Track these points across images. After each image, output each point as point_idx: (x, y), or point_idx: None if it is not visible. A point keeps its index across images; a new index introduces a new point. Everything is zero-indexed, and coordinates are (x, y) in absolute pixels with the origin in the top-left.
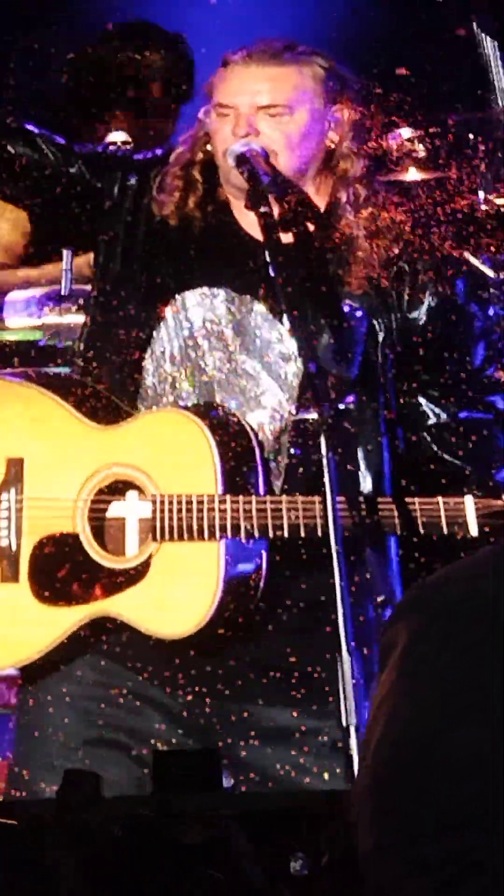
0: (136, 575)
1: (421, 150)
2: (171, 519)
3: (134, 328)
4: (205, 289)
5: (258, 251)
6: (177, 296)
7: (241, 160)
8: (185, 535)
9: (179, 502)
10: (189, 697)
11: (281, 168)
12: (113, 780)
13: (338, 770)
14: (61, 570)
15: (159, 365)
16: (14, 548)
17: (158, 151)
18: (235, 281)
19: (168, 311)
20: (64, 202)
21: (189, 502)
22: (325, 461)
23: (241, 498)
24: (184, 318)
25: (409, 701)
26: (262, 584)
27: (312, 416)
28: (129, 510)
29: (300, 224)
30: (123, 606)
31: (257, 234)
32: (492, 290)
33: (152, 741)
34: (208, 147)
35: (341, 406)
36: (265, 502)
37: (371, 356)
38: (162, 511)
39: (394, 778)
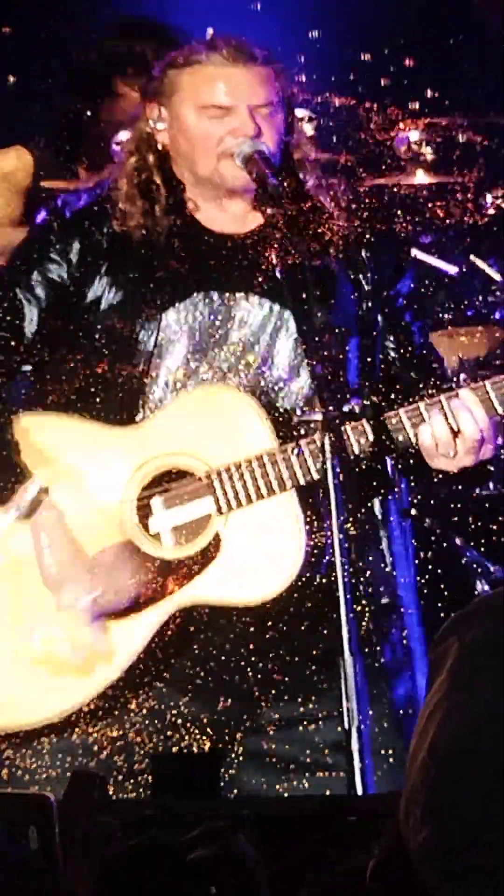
0: (208, 555)
1: (429, 154)
2: (233, 487)
3: (128, 346)
4: (197, 295)
5: (234, 245)
6: (170, 308)
7: (250, 161)
8: (255, 497)
9: (238, 468)
10: (202, 692)
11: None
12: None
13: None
14: (122, 579)
15: (165, 378)
16: (65, 575)
17: (90, 192)
18: (223, 281)
19: (163, 324)
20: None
21: (249, 462)
22: (328, 464)
23: (302, 441)
24: (181, 328)
25: (464, 706)
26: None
27: (317, 417)
28: (160, 524)
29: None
30: (204, 590)
31: (227, 229)
32: (498, 294)
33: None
34: (159, 147)
35: (346, 408)
36: (326, 436)
37: (361, 307)
38: (221, 483)
39: (447, 780)
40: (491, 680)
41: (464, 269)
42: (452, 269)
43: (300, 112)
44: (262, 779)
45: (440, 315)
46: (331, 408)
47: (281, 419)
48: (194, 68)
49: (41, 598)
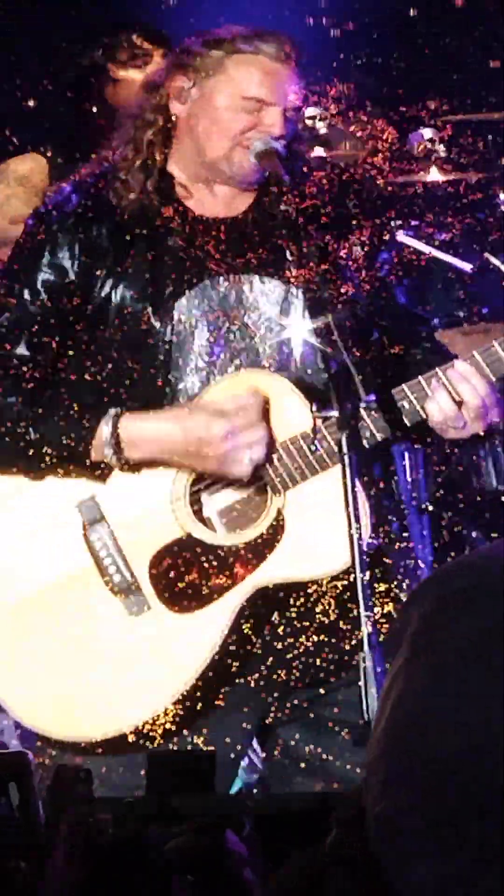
0: (272, 536)
1: (442, 151)
2: (285, 466)
3: (145, 340)
4: (205, 282)
5: (228, 229)
6: (181, 297)
7: (264, 157)
8: (309, 473)
9: (285, 447)
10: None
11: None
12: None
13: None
14: (190, 573)
15: (187, 366)
16: (129, 579)
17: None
18: (226, 265)
19: (177, 314)
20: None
21: (296, 440)
22: (345, 460)
23: (349, 406)
24: (196, 316)
25: (425, 673)
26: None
27: (334, 413)
28: (209, 507)
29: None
30: (274, 570)
31: (217, 213)
32: None
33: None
34: (172, 118)
35: (362, 404)
36: (373, 401)
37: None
38: (272, 464)
39: (405, 748)
40: (451, 646)
41: (479, 267)
42: (467, 267)
43: (312, 111)
44: (297, 776)
45: (456, 312)
46: (347, 404)
47: (311, 393)
48: (245, 56)
49: (110, 604)
